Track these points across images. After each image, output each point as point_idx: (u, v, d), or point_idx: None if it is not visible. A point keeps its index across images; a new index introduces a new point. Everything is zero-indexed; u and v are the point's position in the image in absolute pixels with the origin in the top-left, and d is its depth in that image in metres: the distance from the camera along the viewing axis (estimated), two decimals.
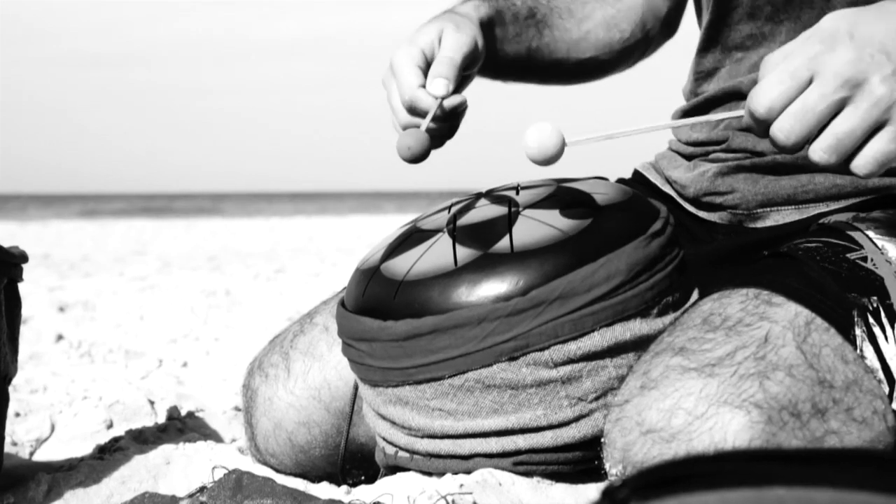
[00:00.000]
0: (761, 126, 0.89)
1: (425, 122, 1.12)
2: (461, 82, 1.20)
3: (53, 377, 2.20)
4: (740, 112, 0.92)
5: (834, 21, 0.88)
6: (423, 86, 1.14)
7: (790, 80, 0.86)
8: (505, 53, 1.30)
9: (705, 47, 1.27)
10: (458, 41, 1.16)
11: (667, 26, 1.44)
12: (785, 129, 0.87)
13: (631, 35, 1.40)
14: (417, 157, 1.09)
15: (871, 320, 0.95)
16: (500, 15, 1.29)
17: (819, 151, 0.87)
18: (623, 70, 1.44)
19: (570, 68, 1.38)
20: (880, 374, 0.93)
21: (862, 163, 0.87)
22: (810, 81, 0.86)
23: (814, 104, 0.86)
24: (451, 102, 1.14)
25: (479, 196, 1.12)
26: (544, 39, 1.34)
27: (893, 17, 0.88)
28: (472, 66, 1.20)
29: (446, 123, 1.16)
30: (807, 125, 0.86)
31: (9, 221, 15.24)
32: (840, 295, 0.96)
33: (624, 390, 0.93)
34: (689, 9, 1.43)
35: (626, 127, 0.97)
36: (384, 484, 1.06)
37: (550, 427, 1.00)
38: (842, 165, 0.88)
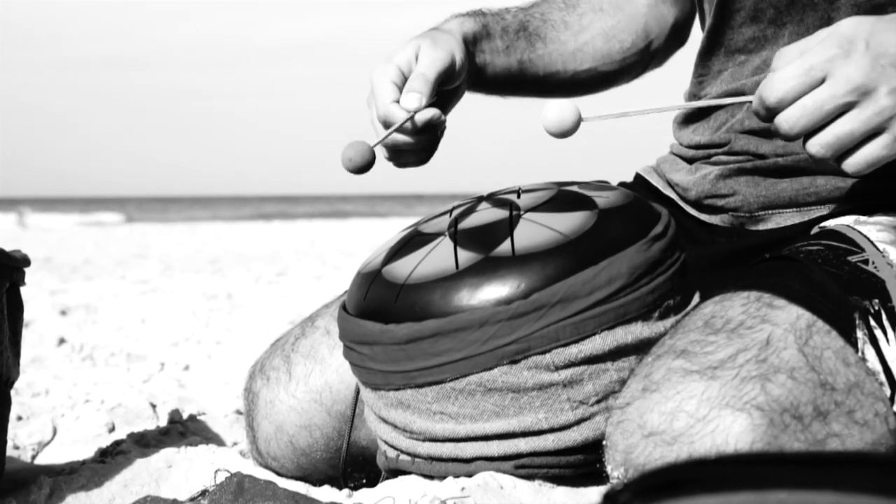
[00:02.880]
0: (769, 113, 0.95)
1: (384, 133, 1.15)
2: (442, 98, 1.22)
3: (55, 381, 2.20)
4: (750, 97, 0.98)
5: (853, 27, 0.94)
6: (398, 101, 1.16)
7: (805, 77, 0.93)
8: (494, 67, 1.31)
9: (708, 50, 1.26)
10: (432, 57, 1.19)
11: (675, 35, 1.44)
12: (791, 120, 0.93)
13: (632, 45, 1.40)
14: (359, 168, 1.12)
15: (872, 323, 0.95)
16: (487, 29, 1.30)
17: (817, 146, 0.94)
18: (628, 81, 1.44)
19: (567, 80, 1.38)
20: (882, 377, 0.93)
21: (853, 162, 0.94)
22: (822, 81, 0.92)
23: (822, 103, 0.92)
24: (422, 116, 1.16)
25: (480, 199, 1.12)
26: (537, 52, 1.35)
27: None
28: (449, 81, 1.22)
29: (424, 137, 1.18)
30: (812, 120, 0.93)
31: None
32: (842, 298, 0.96)
33: (625, 393, 0.93)
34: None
35: (638, 106, 1.04)
36: (385, 487, 1.06)
37: (552, 430, 1.00)
38: (833, 162, 0.95)
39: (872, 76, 0.91)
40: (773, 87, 0.93)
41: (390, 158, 1.22)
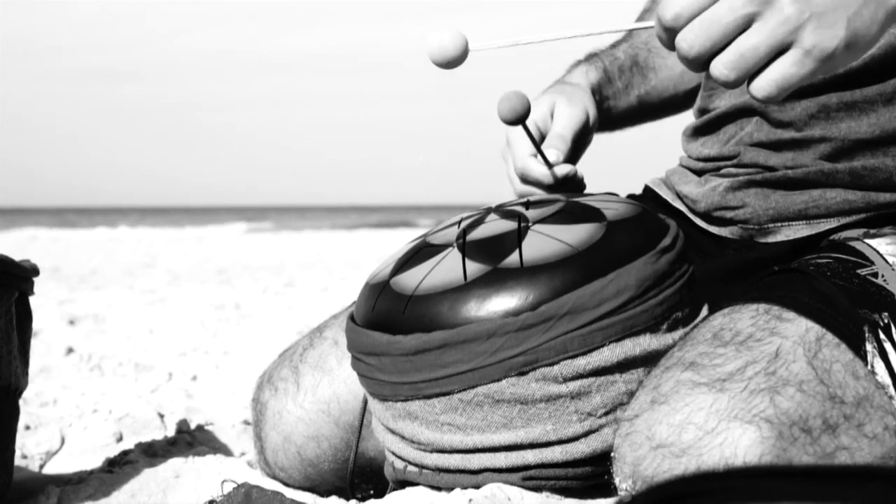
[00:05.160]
0: (669, 35, 0.88)
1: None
2: (576, 151, 1.29)
3: (63, 390, 2.20)
4: (652, 22, 0.91)
5: None
6: (535, 155, 1.23)
7: None
8: (618, 108, 1.39)
9: None
10: (569, 115, 1.26)
11: None
12: (689, 39, 0.86)
13: None
14: (519, 118, 1.14)
15: (881, 336, 0.95)
16: (608, 74, 1.37)
17: (720, 66, 0.86)
18: None
19: (679, 101, 1.45)
20: (891, 390, 0.93)
21: (762, 84, 0.86)
22: None
23: (720, 16, 0.84)
24: (560, 171, 1.23)
25: (488, 211, 1.12)
26: (651, 83, 1.42)
27: None
28: (585, 136, 1.29)
29: (558, 191, 1.24)
30: (711, 37, 0.85)
31: (20, 232, 15.29)
32: (851, 310, 0.96)
33: (634, 405, 0.93)
34: None
35: (534, 35, 0.96)
36: (393, 498, 1.06)
37: (560, 442, 1.00)
38: (743, 85, 0.87)
39: None
40: (668, 4, 0.86)
41: None
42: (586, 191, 1.21)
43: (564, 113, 1.25)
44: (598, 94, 1.35)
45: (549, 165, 1.23)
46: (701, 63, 0.87)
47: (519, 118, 1.14)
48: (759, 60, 0.85)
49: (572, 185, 1.26)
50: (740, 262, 1.20)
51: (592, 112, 1.29)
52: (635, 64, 1.41)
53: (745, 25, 0.84)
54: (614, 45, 1.43)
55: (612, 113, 1.38)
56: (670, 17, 0.86)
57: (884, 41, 1.11)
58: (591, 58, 1.39)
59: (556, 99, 1.27)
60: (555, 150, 1.23)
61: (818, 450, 0.86)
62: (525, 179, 1.25)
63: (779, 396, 0.87)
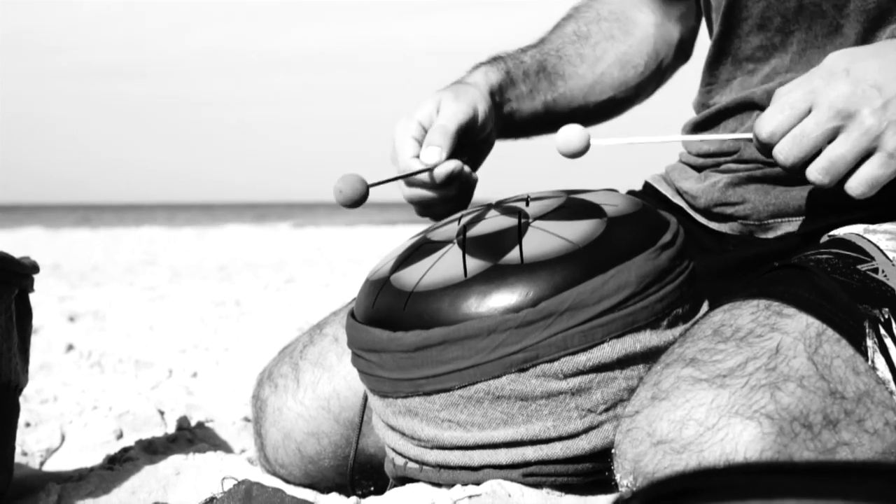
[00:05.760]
0: (765, 148, 1.01)
1: (384, 181, 1.17)
2: (472, 150, 1.25)
3: (63, 387, 2.20)
4: (751, 134, 1.04)
5: (834, 59, 1.00)
6: (419, 156, 1.19)
7: (790, 110, 0.98)
8: (521, 113, 1.34)
9: (715, 59, 1.26)
10: (454, 109, 1.21)
11: (681, 52, 1.45)
12: (784, 151, 0.99)
13: (646, 68, 1.42)
14: (350, 202, 1.11)
15: (882, 332, 0.95)
16: (510, 76, 1.32)
17: (814, 172, 0.98)
18: (640, 103, 1.46)
19: (589, 112, 1.41)
20: (892, 386, 0.93)
21: (854, 184, 0.98)
22: (809, 112, 0.98)
23: (809, 131, 0.97)
24: (442, 169, 1.18)
25: (489, 207, 1.12)
26: (559, 90, 1.38)
27: (889, 55, 0.99)
28: (473, 133, 1.24)
29: (451, 188, 1.21)
30: (803, 148, 0.98)
31: (20, 230, 15.29)
32: (851, 306, 0.96)
33: (634, 401, 0.93)
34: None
35: (644, 137, 1.09)
36: (393, 495, 1.06)
37: (560, 438, 1.00)
38: (837, 186, 0.99)
39: (853, 100, 0.96)
40: (763, 123, 1.00)
41: (420, 213, 1.26)
42: (586, 187, 1.21)
43: (449, 107, 1.21)
44: (499, 95, 1.30)
45: (432, 167, 1.18)
46: (797, 170, 1.00)
47: (351, 203, 1.11)
48: (847, 166, 0.98)
49: (460, 183, 1.21)
50: (740, 258, 1.20)
51: (483, 109, 1.24)
52: (542, 69, 1.36)
53: (833, 136, 0.98)
54: (522, 50, 1.38)
55: (516, 117, 1.34)
56: (766, 135, 1.00)
57: None
58: (494, 60, 1.34)
59: (443, 96, 1.23)
60: (436, 147, 1.18)
61: (819, 445, 0.86)
62: (409, 182, 1.21)
63: (779, 392, 0.87)
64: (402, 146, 1.20)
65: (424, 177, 1.19)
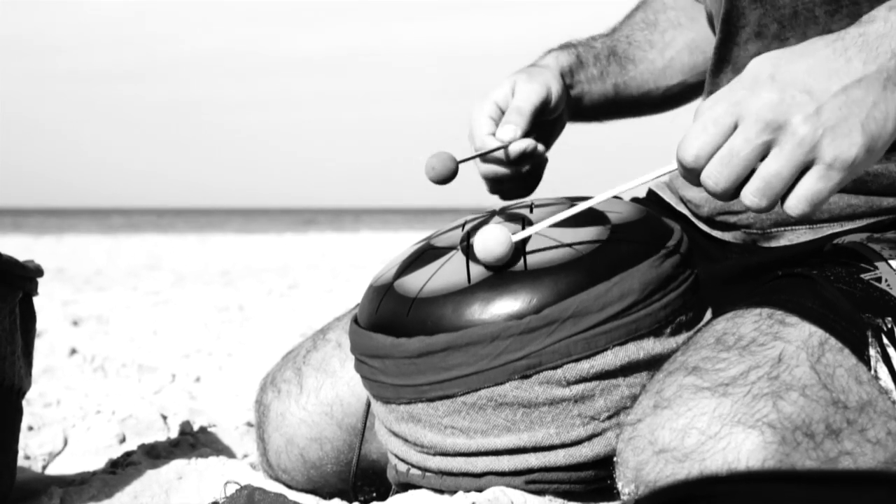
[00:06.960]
0: (692, 175, 0.88)
1: (475, 155, 1.24)
2: (543, 131, 1.30)
3: (67, 391, 2.20)
4: (674, 164, 0.91)
5: (757, 64, 0.88)
6: (494, 134, 1.24)
7: (713, 127, 0.86)
8: (591, 95, 1.38)
9: (718, 67, 1.27)
10: (528, 90, 1.26)
11: None
12: (713, 176, 0.87)
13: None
14: (441, 178, 1.20)
15: (885, 341, 0.95)
16: (581, 59, 1.37)
17: (749, 196, 0.87)
18: None
19: (660, 97, 1.44)
20: (894, 395, 0.93)
21: (794, 203, 0.86)
22: (735, 127, 0.86)
23: (738, 149, 0.85)
24: (517, 147, 1.23)
25: (493, 213, 1.13)
26: (629, 74, 1.41)
27: (818, 52, 0.88)
28: (546, 113, 1.29)
29: (523, 168, 1.26)
30: (734, 170, 0.86)
31: (24, 235, 15.30)
32: (854, 315, 0.96)
33: (637, 409, 0.93)
34: None
35: (573, 209, 1.00)
36: (396, 501, 1.06)
37: (563, 446, 1.00)
38: (776, 208, 0.87)
39: (782, 108, 0.85)
40: (685, 147, 0.87)
41: (492, 189, 1.31)
42: (590, 194, 1.21)
43: (524, 89, 1.26)
44: (570, 76, 1.35)
45: (507, 144, 1.23)
46: (730, 195, 0.88)
47: (442, 179, 1.19)
48: (784, 183, 0.85)
49: (531, 160, 1.26)
50: (743, 266, 1.20)
51: (556, 89, 1.29)
52: (613, 54, 1.41)
53: (764, 152, 0.85)
54: (593, 38, 1.43)
55: (586, 99, 1.38)
56: (691, 159, 0.87)
57: None
58: (564, 46, 1.39)
59: (517, 78, 1.28)
60: (512, 125, 1.23)
61: (821, 455, 0.86)
62: (485, 159, 1.27)
63: (782, 401, 0.87)
64: (478, 125, 1.26)
65: (500, 154, 1.24)
